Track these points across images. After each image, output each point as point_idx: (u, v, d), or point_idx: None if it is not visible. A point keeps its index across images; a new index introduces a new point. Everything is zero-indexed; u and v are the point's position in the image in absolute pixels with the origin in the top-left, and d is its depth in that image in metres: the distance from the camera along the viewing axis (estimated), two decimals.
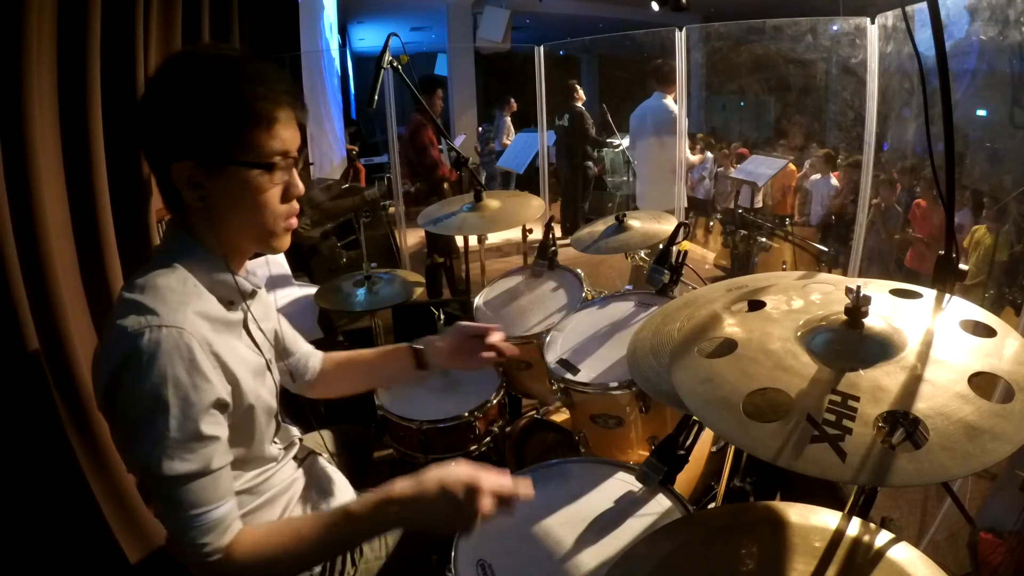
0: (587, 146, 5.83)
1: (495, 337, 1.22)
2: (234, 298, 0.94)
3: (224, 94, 0.83)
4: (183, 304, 0.83)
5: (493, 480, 0.87)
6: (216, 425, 0.83)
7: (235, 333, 0.94)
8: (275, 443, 1.05)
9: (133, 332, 0.78)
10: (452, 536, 0.98)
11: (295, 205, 0.94)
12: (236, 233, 0.91)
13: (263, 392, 0.96)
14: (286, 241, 0.96)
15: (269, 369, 1.01)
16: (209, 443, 0.81)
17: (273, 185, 0.88)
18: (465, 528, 0.88)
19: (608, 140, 6.03)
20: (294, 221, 0.95)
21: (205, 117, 0.82)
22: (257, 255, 1.04)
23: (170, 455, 0.78)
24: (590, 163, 6.00)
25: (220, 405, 0.84)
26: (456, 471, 0.88)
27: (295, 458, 1.13)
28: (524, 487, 0.90)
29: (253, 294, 0.97)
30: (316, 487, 1.15)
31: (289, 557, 0.85)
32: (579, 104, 5.64)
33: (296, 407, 1.54)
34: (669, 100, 3.80)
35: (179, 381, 0.78)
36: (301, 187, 0.93)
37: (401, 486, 0.87)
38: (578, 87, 5.69)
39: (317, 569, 1.05)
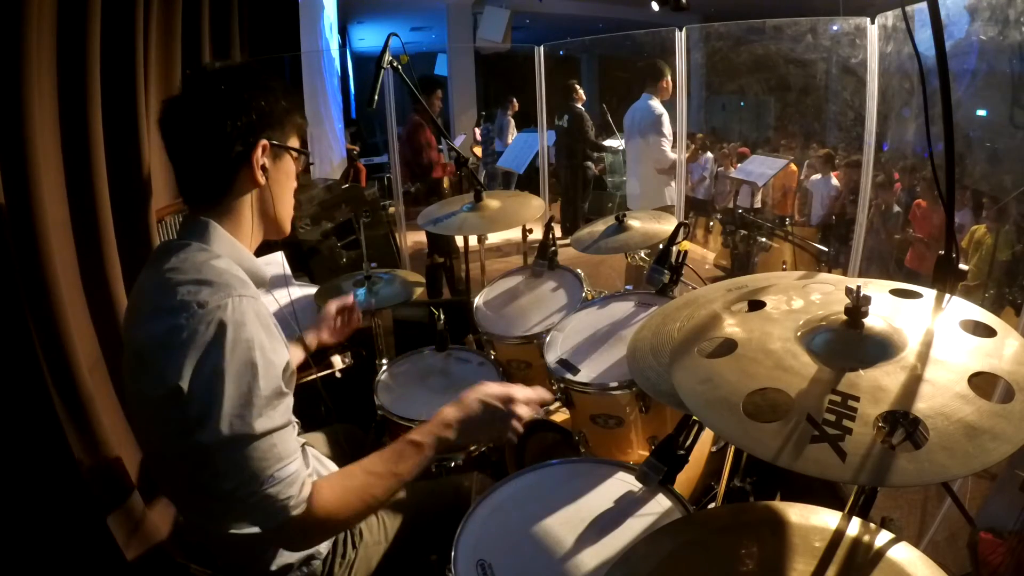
0: (586, 148, 5.83)
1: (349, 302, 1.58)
2: (257, 283, 1.00)
3: (295, 94, 1.03)
4: (244, 281, 0.91)
5: (521, 390, 1.07)
6: (287, 384, 0.89)
7: None
8: None
9: (216, 305, 0.83)
10: (497, 444, 1.20)
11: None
12: (275, 212, 1.02)
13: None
14: (290, 227, 1.09)
15: None
16: (286, 398, 0.88)
17: (296, 172, 1.05)
18: (501, 436, 1.05)
19: (605, 145, 6.03)
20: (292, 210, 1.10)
21: (282, 102, 0.98)
22: (265, 247, 1.12)
23: (260, 412, 0.82)
24: (590, 163, 6.00)
25: (287, 368, 0.91)
26: (489, 388, 1.05)
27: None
28: (541, 392, 1.09)
29: (267, 281, 1.04)
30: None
31: (365, 496, 0.93)
32: (579, 105, 5.63)
33: (299, 407, 1.54)
34: (655, 101, 3.86)
35: (263, 344, 0.85)
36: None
37: (450, 411, 1.03)
38: (578, 87, 5.67)
39: (324, 550, 1.08)
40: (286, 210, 1.05)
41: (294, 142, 1.01)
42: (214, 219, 0.94)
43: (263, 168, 0.96)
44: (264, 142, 0.94)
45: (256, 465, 0.82)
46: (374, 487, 0.94)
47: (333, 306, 1.56)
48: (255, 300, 0.88)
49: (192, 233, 0.94)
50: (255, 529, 0.85)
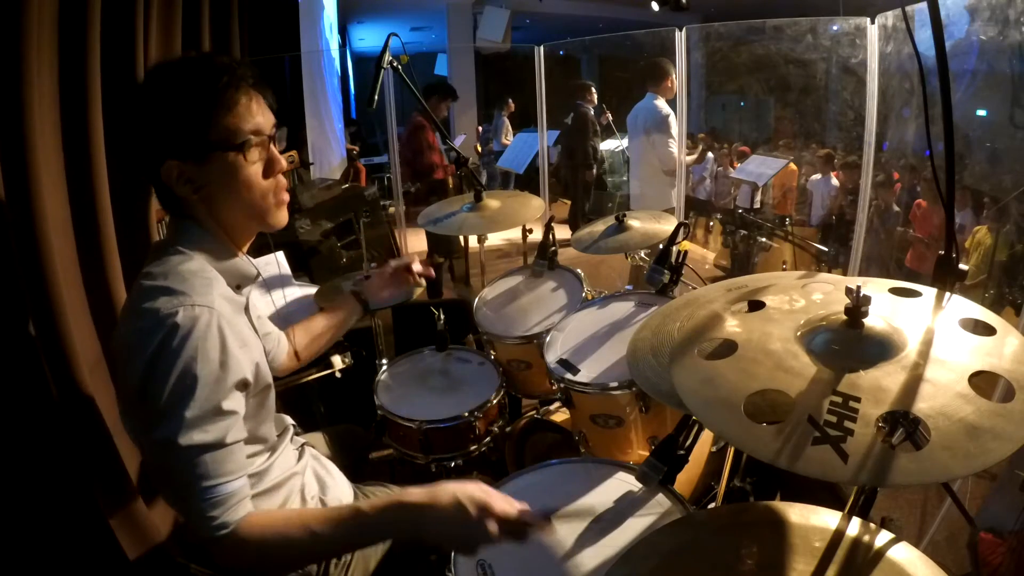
0: (588, 148, 5.82)
1: (416, 267, 1.45)
2: (241, 282, 0.99)
3: (187, 88, 0.87)
4: (209, 287, 0.88)
5: (505, 506, 0.86)
6: (235, 402, 0.87)
7: (243, 317, 0.98)
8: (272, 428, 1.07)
9: (168, 312, 0.82)
10: (453, 552, 0.97)
11: (281, 180, 0.98)
12: (232, 215, 0.95)
13: (268, 374, 0.99)
14: (282, 217, 0.99)
15: (266, 353, 1.05)
16: (227, 417, 0.85)
17: (251, 163, 0.92)
18: (469, 548, 0.87)
19: (599, 151, 6.02)
20: (285, 196, 0.99)
21: (176, 114, 0.87)
22: (264, 247, 1.08)
23: (190, 426, 0.81)
24: (592, 164, 5.98)
25: (242, 384, 0.88)
26: (470, 488, 0.87)
27: (296, 451, 1.13)
28: (541, 525, 0.87)
29: (256, 277, 1.02)
30: (317, 484, 1.15)
31: (294, 546, 0.86)
32: (588, 106, 5.61)
33: (296, 407, 1.54)
34: (660, 101, 3.81)
35: (209, 357, 0.83)
36: (283, 162, 0.97)
37: (415, 492, 0.87)
38: (593, 89, 5.65)
39: None
40: (255, 204, 0.94)
41: (246, 121, 0.89)
42: (192, 219, 0.93)
43: (189, 181, 0.89)
44: (172, 162, 0.87)
45: (190, 479, 0.82)
46: (304, 539, 0.85)
47: (396, 263, 1.47)
48: (211, 310, 0.85)
49: (173, 234, 0.94)
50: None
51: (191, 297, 0.85)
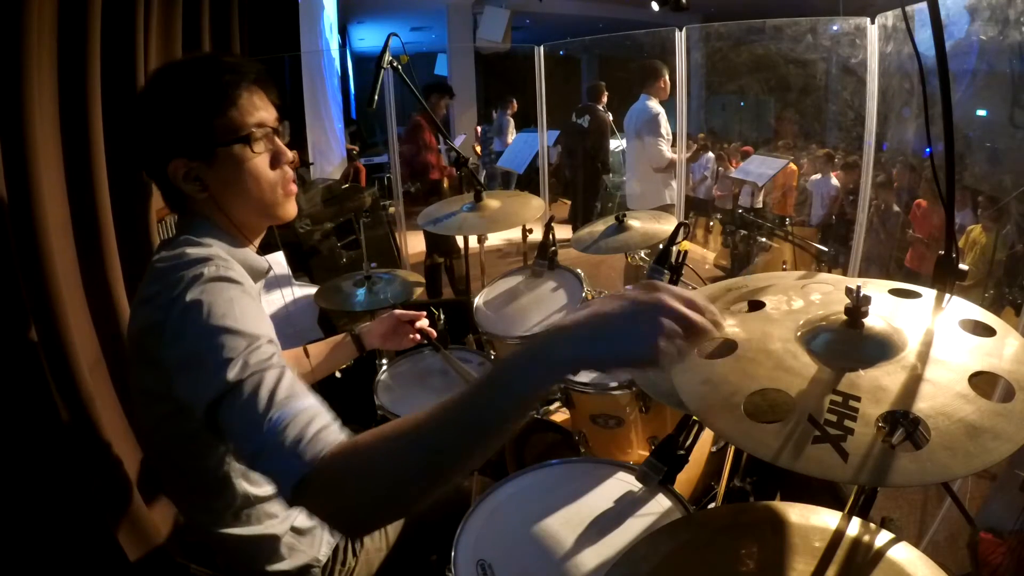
0: (606, 151, 5.80)
1: (422, 323, 1.48)
2: (254, 275, 0.98)
3: (190, 87, 0.88)
4: (225, 259, 0.88)
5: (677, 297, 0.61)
6: (276, 345, 0.81)
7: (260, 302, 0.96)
8: None
9: (194, 274, 0.80)
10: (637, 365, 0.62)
11: (288, 171, 0.98)
12: (242, 211, 0.95)
13: None
14: (290, 208, 1.00)
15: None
16: (273, 347, 0.79)
17: (257, 155, 0.92)
18: (639, 356, 0.60)
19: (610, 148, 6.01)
20: (293, 187, 0.99)
21: (180, 113, 0.88)
22: (265, 247, 1.07)
23: (237, 360, 0.74)
24: (609, 168, 5.96)
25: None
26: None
27: None
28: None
29: (267, 271, 1.03)
30: None
31: (410, 444, 0.67)
32: (600, 108, 5.61)
33: None
34: (652, 102, 3.89)
35: (243, 302, 0.81)
36: (289, 153, 0.97)
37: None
38: (605, 90, 5.66)
39: (323, 557, 1.08)
40: (263, 196, 0.94)
41: (249, 115, 0.90)
42: (200, 216, 0.93)
43: (196, 179, 0.90)
44: (179, 161, 0.88)
45: (255, 415, 0.71)
46: (422, 432, 0.66)
47: (402, 315, 1.47)
48: (232, 270, 0.84)
49: (183, 228, 0.94)
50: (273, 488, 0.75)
51: (214, 260, 0.84)
